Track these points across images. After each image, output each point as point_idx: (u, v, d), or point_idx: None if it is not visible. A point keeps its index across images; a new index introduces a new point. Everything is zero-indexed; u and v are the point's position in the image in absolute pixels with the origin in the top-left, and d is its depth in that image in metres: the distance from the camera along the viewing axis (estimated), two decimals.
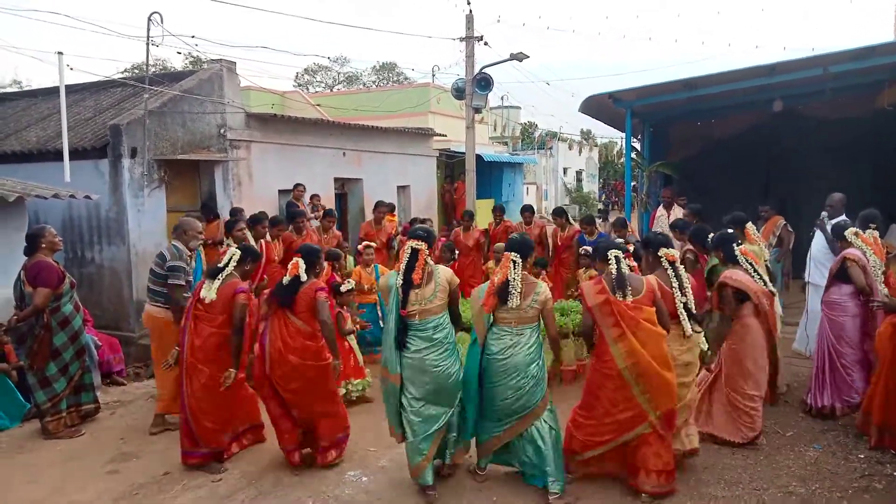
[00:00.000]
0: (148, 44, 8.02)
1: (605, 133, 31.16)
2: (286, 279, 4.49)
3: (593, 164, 33.30)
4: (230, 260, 4.67)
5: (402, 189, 13.70)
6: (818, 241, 6.46)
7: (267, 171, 9.93)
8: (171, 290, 5.11)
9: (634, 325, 3.93)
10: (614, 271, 4.04)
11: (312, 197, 9.75)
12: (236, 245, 5.50)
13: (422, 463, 4.04)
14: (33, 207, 7.76)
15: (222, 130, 9.23)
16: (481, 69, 13.56)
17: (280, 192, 10.04)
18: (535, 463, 4.12)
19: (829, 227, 6.20)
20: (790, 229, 8.17)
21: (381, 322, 6.71)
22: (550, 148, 28.20)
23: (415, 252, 4.03)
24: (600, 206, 28.98)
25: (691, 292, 4.34)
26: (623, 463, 4.16)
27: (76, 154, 7.96)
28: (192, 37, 14.80)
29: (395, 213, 11.25)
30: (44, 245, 5.25)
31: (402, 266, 4.04)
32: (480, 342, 4.11)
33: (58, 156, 7.73)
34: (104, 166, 7.96)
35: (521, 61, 13.69)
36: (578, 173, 31.30)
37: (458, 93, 14.03)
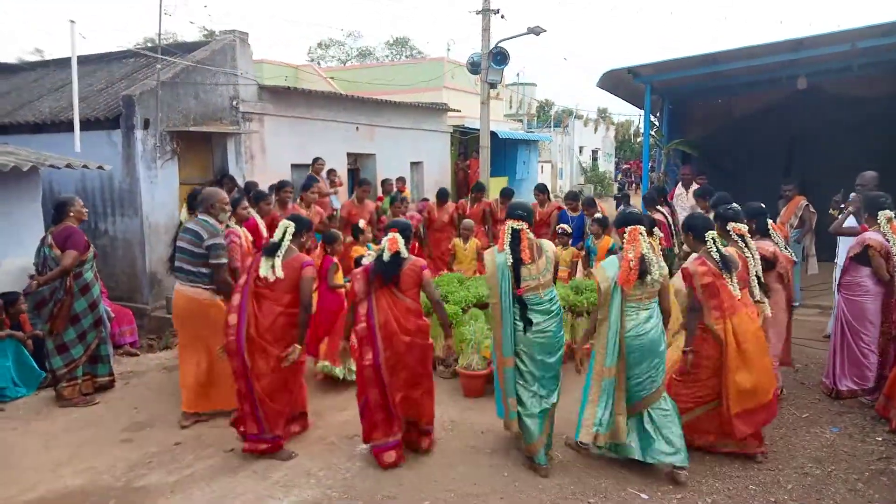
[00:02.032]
0: (161, 13, 7.93)
1: (622, 110, 30.85)
2: (386, 255, 4.15)
3: (609, 143, 32.89)
4: (284, 233, 4.38)
5: (416, 165, 13.60)
6: (851, 223, 6.29)
7: (280, 145, 9.87)
8: (216, 269, 4.75)
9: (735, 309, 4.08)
10: (715, 253, 4.08)
11: (329, 172, 9.68)
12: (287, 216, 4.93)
13: (539, 440, 4.06)
14: (47, 178, 7.78)
15: (235, 102, 9.16)
16: (497, 43, 13.35)
17: (293, 165, 9.98)
18: (654, 439, 4.02)
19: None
20: (812, 210, 8.01)
21: None
22: (566, 126, 27.85)
23: (516, 231, 4.02)
24: (616, 185, 28.69)
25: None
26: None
27: (89, 125, 7.94)
28: (205, 6, 14.64)
29: (407, 187, 11.17)
30: (72, 213, 5.36)
31: (507, 246, 4.01)
32: (608, 321, 3.99)
33: (71, 126, 7.69)
34: (117, 137, 7.94)
35: (538, 35, 13.46)
36: (594, 152, 30.93)
37: (474, 67, 13.84)
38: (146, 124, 7.91)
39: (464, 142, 17.87)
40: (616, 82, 10.75)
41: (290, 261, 4.33)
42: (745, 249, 4.35)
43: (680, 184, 9.59)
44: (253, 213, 5.85)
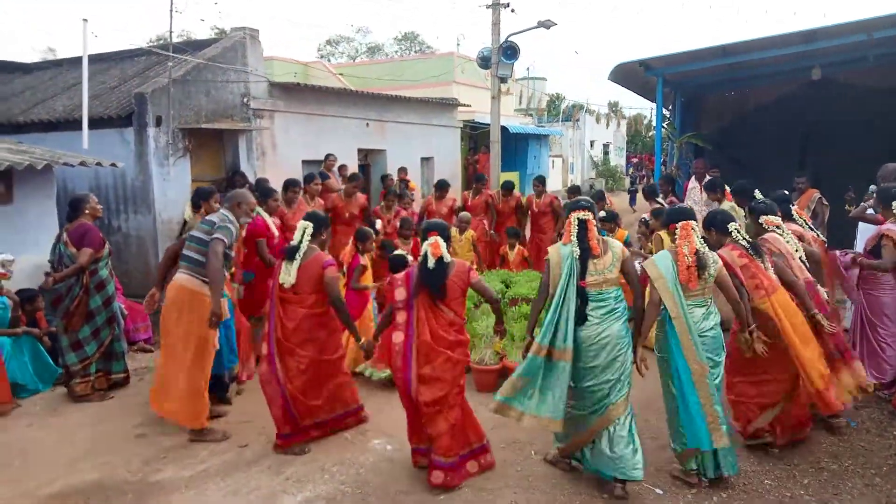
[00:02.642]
0: (171, 10, 7.96)
1: (634, 104, 30.66)
2: (431, 262, 3.86)
3: (621, 137, 32.69)
4: (303, 234, 4.32)
5: (426, 160, 13.59)
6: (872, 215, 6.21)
7: (290, 141, 9.89)
8: (212, 244, 4.34)
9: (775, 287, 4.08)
10: (742, 241, 4.15)
11: (340, 168, 9.70)
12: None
13: (584, 437, 3.84)
14: (61, 176, 7.83)
15: (245, 99, 9.19)
16: (507, 37, 13.28)
17: (304, 162, 10.00)
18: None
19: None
20: (825, 203, 7.92)
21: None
22: (577, 120, 27.70)
23: (583, 222, 3.85)
24: (628, 179, 28.51)
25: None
26: None
27: (101, 123, 8.00)
28: (216, 3, 14.69)
29: (417, 182, 11.18)
30: (87, 211, 5.39)
31: (574, 237, 3.83)
32: (683, 320, 3.76)
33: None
34: (129, 135, 7.98)
35: (548, 29, 13.37)
36: (605, 146, 30.76)
37: (484, 62, 13.77)
38: (158, 122, 7.95)
39: (474, 137, 17.83)
40: (627, 75, 10.68)
41: (310, 262, 4.30)
42: (784, 238, 4.41)
43: (693, 177, 9.51)
44: (260, 210, 5.73)
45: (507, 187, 9.00)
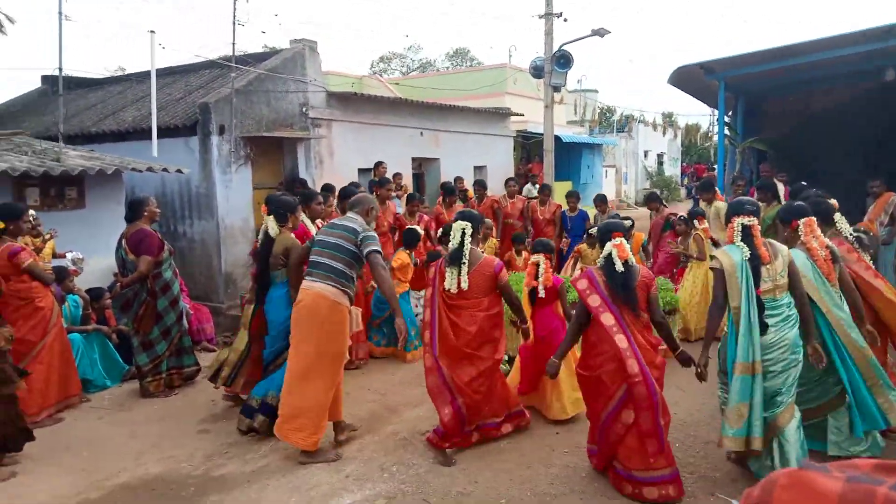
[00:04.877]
0: (234, 22, 8.20)
1: (689, 111, 29.96)
2: (619, 266, 3.69)
3: (675, 147, 32.00)
4: (463, 236, 4.15)
5: (479, 169, 13.55)
6: None
7: (347, 150, 10.02)
8: (372, 258, 4.16)
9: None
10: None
11: (395, 176, 9.75)
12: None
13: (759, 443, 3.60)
14: (130, 183, 8.13)
15: (304, 109, 9.37)
16: (561, 46, 13.19)
17: (360, 170, 10.11)
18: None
19: None
20: None
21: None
22: (630, 130, 27.27)
23: (747, 228, 3.68)
24: (683, 189, 27.83)
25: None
26: None
27: (168, 132, 8.27)
28: (276, 15, 15.09)
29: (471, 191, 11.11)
30: (145, 213, 5.49)
31: (740, 242, 3.69)
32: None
33: (151, 133, 8.05)
34: (194, 143, 8.24)
35: (602, 37, 13.19)
36: (660, 156, 30.15)
37: (537, 71, 13.71)
38: (221, 130, 8.17)
39: (527, 146, 17.73)
40: (687, 79, 10.42)
41: (481, 266, 4.17)
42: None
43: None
44: (304, 216, 5.41)
45: (544, 191, 9.20)
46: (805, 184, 6.71)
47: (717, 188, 7.56)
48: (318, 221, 5.81)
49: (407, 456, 4.27)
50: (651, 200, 8.27)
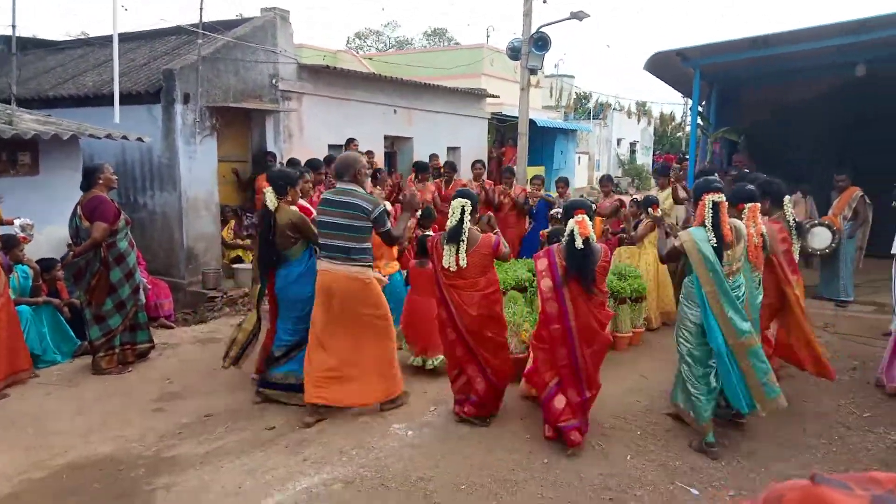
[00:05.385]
0: None
1: (663, 98, 30.16)
2: (579, 242, 3.79)
3: (648, 136, 32.20)
4: (462, 214, 4.08)
5: (453, 150, 13.41)
6: None
7: (318, 125, 9.78)
8: (387, 237, 4.40)
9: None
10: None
11: (367, 153, 9.56)
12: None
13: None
14: (88, 150, 7.80)
15: (274, 80, 9.09)
16: (539, 28, 13.03)
17: (330, 146, 9.88)
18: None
19: None
20: (868, 201, 7.62)
21: None
22: (605, 117, 27.31)
23: (716, 205, 3.77)
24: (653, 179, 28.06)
25: None
26: None
27: (130, 98, 7.94)
28: None
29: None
30: (101, 181, 5.26)
31: (710, 223, 3.78)
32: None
33: (112, 100, 7.71)
34: (157, 111, 7.92)
35: (581, 20, 13.05)
36: (633, 145, 30.32)
37: (514, 52, 13.51)
38: (186, 99, 7.87)
39: (501, 129, 17.60)
40: (663, 65, 10.36)
41: (480, 245, 4.15)
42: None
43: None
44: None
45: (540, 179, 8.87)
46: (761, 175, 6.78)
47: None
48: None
49: (367, 439, 4.18)
50: (605, 182, 8.42)
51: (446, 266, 4.14)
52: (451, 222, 4.13)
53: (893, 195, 7.05)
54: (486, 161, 14.51)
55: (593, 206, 6.08)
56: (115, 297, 5.26)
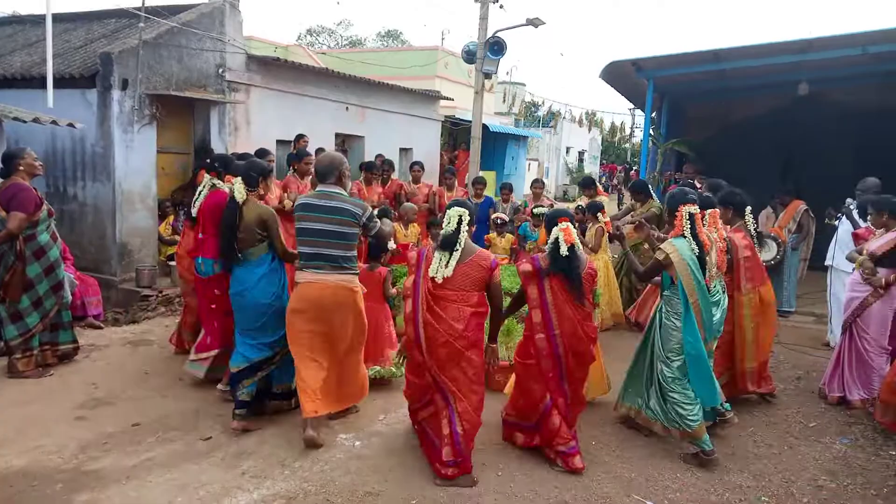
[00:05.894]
0: None
1: (613, 109, 30.87)
2: (563, 249, 3.65)
3: (596, 145, 32.86)
4: (459, 223, 3.69)
5: (405, 151, 13.22)
6: (846, 227, 6.16)
7: (266, 119, 9.42)
8: (380, 239, 4.30)
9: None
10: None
11: (317, 151, 9.18)
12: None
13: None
14: (13, 136, 7.26)
15: (221, 70, 8.69)
16: (495, 32, 13.00)
17: (278, 141, 9.53)
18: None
19: (855, 214, 5.96)
20: (811, 215, 7.84)
21: None
22: (555, 125, 27.66)
23: (692, 216, 3.91)
24: (601, 187, 28.57)
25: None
26: None
27: (63, 82, 7.43)
28: None
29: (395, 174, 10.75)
30: (21, 167, 4.80)
31: (688, 233, 3.91)
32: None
33: (43, 83, 7.19)
34: (92, 96, 7.43)
35: (536, 27, 13.14)
36: (581, 153, 30.84)
37: (469, 56, 13.46)
38: (124, 85, 7.41)
39: (453, 133, 17.52)
40: (618, 75, 10.49)
41: (475, 259, 3.67)
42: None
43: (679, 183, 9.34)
44: (222, 185, 4.72)
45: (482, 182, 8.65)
46: (723, 181, 6.85)
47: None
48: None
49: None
50: (535, 185, 8.45)
51: (433, 275, 3.68)
52: (446, 230, 3.76)
53: (827, 214, 7.25)
54: (438, 164, 14.42)
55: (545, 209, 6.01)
56: (33, 294, 4.82)
